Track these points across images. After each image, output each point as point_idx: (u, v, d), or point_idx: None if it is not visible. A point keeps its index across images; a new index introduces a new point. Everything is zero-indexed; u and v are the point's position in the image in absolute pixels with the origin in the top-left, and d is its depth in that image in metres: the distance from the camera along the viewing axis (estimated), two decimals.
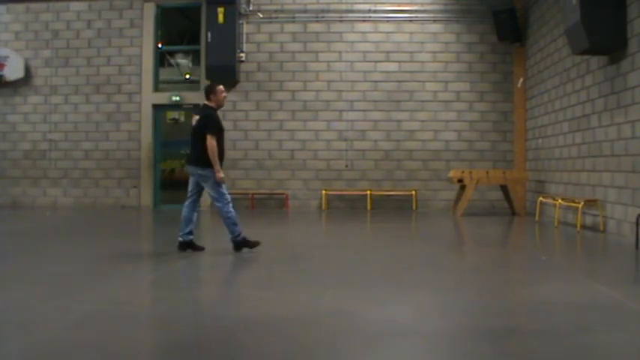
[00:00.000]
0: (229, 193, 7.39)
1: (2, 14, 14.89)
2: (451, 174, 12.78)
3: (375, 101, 14.20)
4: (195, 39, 14.80)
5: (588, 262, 7.58)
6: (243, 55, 14.25)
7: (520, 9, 13.54)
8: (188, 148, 7.45)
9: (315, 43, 14.33)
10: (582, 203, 9.69)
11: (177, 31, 16.04)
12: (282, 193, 14.17)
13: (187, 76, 15.78)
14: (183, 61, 16.28)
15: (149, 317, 4.61)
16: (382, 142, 14.16)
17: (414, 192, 13.98)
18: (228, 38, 13.75)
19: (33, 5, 14.82)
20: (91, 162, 14.66)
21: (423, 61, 14.17)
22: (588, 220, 10.05)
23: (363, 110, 14.21)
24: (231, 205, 7.17)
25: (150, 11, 14.62)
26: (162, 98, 14.64)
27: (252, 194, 13.97)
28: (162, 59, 15.34)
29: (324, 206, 14.09)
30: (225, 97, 7.45)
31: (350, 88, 14.22)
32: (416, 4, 14.18)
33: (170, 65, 16.24)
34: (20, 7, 14.86)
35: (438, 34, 14.18)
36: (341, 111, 14.25)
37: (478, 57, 14.11)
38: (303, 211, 13.78)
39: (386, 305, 4.76)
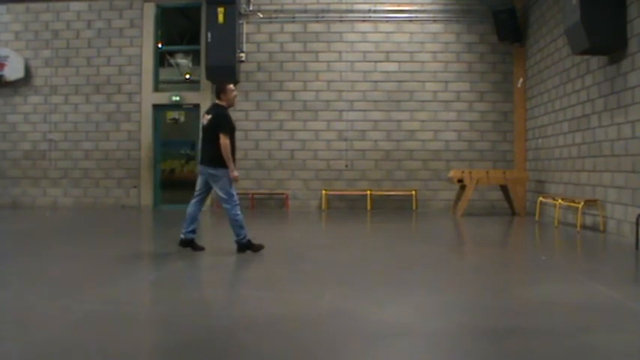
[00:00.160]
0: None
1: (2, 14, 14.89)
2: (451, 174, 12.78)
3: (375, 101, 14.20)
4: (195, 39, 14.80)
5: (588, 262, 7.57)
6: (243, 55, 14.25)
7: (520, 9, 13.54)
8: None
9: (315, 43, 14.33)
10: (582, 203, 9.69)
11: (177, 31, 16.04)
12: (282, 193, 14.17)
13: (187, 76, 15.78)
14: (183, 61, 16.28)
15: (149, 317, 4.61)
16: (382, 142, 14.16)
17: (414, 192, 13.98)
18: (228, 38, 13.75)
19: (33, 5, 14.82)
20: (91, 162, 14.66)
21: (423, 61, 14.17)
22: (588, 220, 10.05)
23: (363, 110, 14.21)
24: (239, 207, 7.14)
25: (150, 11, 14.62)
26: (162, 98, 14.64)
27: (252, 194, 13.97)
28: (162, 59, 15.34)
29: (324, 206, 14.09)
30: (236, 95, 7.45)
31: (350, 88, 14.22)
32: (416, 4, 14.18)
33: (170, 65, 16.24)
34: (20, 7, 14.86)
35: (438, 34, 14.19)
36: (341, 111, 14.25)
37: (478, 57, 14.11)
38: (303, 211, 13.78)
39: (386, 305, 4.76)
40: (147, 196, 14.52)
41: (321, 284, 5.60)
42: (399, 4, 14.18)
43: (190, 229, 7.22)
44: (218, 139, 6.98)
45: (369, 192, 14.04)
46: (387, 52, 14.21)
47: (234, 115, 14.34)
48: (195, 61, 15.18)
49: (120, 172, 14.61)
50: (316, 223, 12.04)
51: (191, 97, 14.63)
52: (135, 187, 14.57)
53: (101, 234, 9.91)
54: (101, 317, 4.37)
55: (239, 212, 7.10)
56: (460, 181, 12.54)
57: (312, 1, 14.34)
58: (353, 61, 14.24)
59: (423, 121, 14.12)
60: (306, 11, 14.33)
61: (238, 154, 14.08)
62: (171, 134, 15.23)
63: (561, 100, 11.36)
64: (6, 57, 14.39)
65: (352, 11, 14.25)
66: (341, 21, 14.29)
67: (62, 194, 14.68)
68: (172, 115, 15.22)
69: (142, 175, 14.54)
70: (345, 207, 14.20)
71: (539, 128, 12.76)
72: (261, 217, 11.93)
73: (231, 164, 7.03)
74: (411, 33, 14.21)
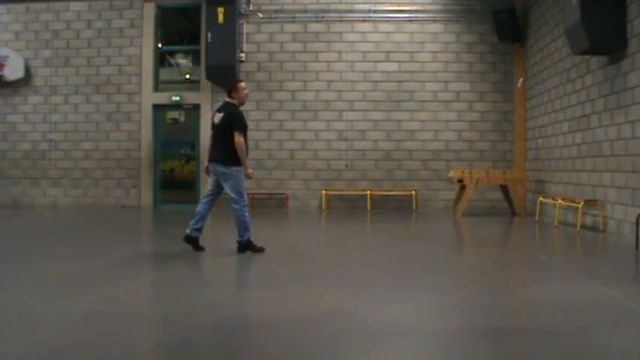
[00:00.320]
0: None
1: (2, 14, 14.90)
2: (451, 174, 12.78)
3: (375, 101, 14.20)
4: (195, 39, 14.80)
5: (588, 262, 7.57)
6: (243, 55, 14.25)
7: (520, 9, 13.54)
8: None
9: (315, 43, 14.33)
10: (582, 203, 9.69)
11: (177, 31, 16.04)
12: (282, 193, 14.17)
13: (187, 76, 15.78)
14: (183, 61, 16.28)
15: (149, 317, 4.61)
16: (382, 142, 14.16)
17: (414, 192, 13.98)
18: (228, 38, 13.74)
19: (33, 5, 14.82)
20: (91, 162, 14.66)
21: (423, 61, 14.17)
22: (588, 220, 10.05)
23: (363, 110, 14.21)
24: (247, 208, 7.13)
25: (150, 11, 14.63)
26: (162, 98, 14.64)
27: (253, 194, 13.96)
28: (162, 59, 15.34)
29: (324, 206, 14.09)
30: (247, 94, 7.44)
31: (350, 88, 14.23)
32: (416, 4, 14.18)
33: (170, 65, 16.24)
34: (20, 7, 14.86)
35: (438, 34, 14.19)
36: (341, 111, 14.25)
37: (478, 57, 14.11)
38: (303, 211, 13.78)
39: (386, 305, 4.76)
40: (147, 196, 14.52)
41: (321, 284, 5.60)
42: (399, 4, 14.18)
43: (197, 226, 7.20)
44: (230, 137, 6.98)
45: (369, 192, 14.04)
46: (387, 52, 14.21)
47: None
48: (195, 61, 15.18)
49: (120, 172, 14.61)
50: (316, 223, 12.04)
51: (191, 97, 14.63)
52: (135, 187, 14.57)
53: (101, 234, 9.90)
54: (101, 317, 4.37)
55: (247, 214, 7.09)
56: (460, 181, 12.54)
57: (312, 1, 14.35)
58: (353, 61, 14.24)
59: (423, 121, 14.13)
60: (306, 11, 14.33)
61: None
62: (171, 134, 15.23)
63: (561, 100, 11.36)
64: (6, 57, 14.39)
65: (352, 11, 14.25)
66: (341, 21, 14.29)
67: (62, 194, 14.69)
68: (172, 115, 15.22)
69: (141, 175, 14.54)
70: (345, 207, 14.20)
71: (539, 128, 12.76)
72: (261, 217, 11.92)
73: (245, 161, 7.06)
74: (411, 33, 14.21)
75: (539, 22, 12.64)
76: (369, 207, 13.99)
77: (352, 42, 14.26)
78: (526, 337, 3.93)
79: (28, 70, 14.69)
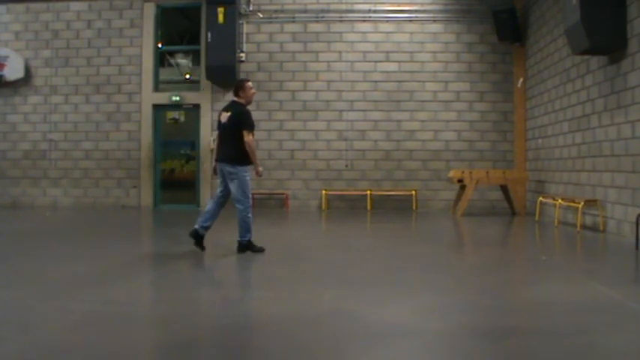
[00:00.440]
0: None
1: (2, 14, 14.90)
2: (451, 174, 12.78)
3: (375, 101, 14.20)
4: (195, 39, 14.80)
5: (588, 262, 7.57)
6: (243, 55, 14.25)
7: (520, 9, 13.54)
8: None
9: (315, 43, 14.33)
10: (582, 203, 9.69)
11: (177, 31, 16.03)
12: (282, 193, 14.17)
13: (187, 76, 15.78)
14: (183, 61, 16.28)
15: (149, 317, 4.61)
16: (382, 142, 14.16)
17: (414, 192, 13.98)
18: (228, 38, 13.75)
19: (33, 5, 14.82)
20: (91, 162, 14.66)
21: (423, 61, 14.17)
22: (588, 220, 10.05)
23: (363, 110, 14.21)
24: (251, 210, 7.13)
25: (150, 11, 14.63)
26: (162, 98, 14.64)
27: (253, 194, 13.90)
28: (162, 59, 15.34)
29: (324, 206, 14.09)
30: (254, 93, 7.44)
31: (350, 88, 14.23)
32: (416, 4, 14.18)
33: (170, 65, 16.24)
34: (20, 7, 14.86)
35: (438, 34, 14.19)
36: (341, 111, 14.25)
37: (478, 57, 14.11)
38: (303, 211, 13.78)
39: (386, 305, 4.76)
40: (147, 196, 14.52)
41: (321, 284, 5.60)
42: (399, 4, 14.18)
43: (206, 224, 7.17)
44: (238, 136, 6.97)
45: (369, 192, 14.04)
46: (387, 52, 14.21)
47: None
48: (195, 61, 15.17)
49: (120, 172, 14.61)
50: (316, 223, 12.04)
51: (191, 97, 14.63)
52: (135, 187, 14.57)
53: (101, 234, 9.90)
54: (101, 317, 4.37)
55: (250, 215, 7.09)
56: (460, 181, 12.54)
57: (312, 1, 14.34)
58: (353, 61, 14.24)
59: (423, 121, 14.13)
60: (306, 11, 14.33)
61: None
62: (171, 134, 15.23)
63: (561, 100, 11.36)
64: (6, 57, 14.39)
65: (352, 11, 14.25)
66: (341, 21, 14.29)
67: (62, 194, 14.69)
68: (172, 115, 15.21)
69: (141, 175, 14.54)
70: (345, 207, 14.20)
71: (539, 128, 12.76)
72: (261, 217, 11.91)
73: (256, 160, 7.07)
74: (411, 33, 14.21)
75: (539, 22, 12.64)
76: (369, 207, 13.99)
77: (352, 42, 14.26)
78: (526, 337, 3.93)
79: (28, 70, 14.69)
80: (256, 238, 7.27)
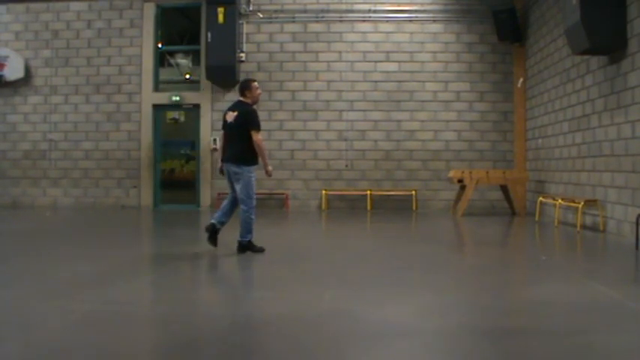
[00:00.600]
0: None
1: (2, 14, 14.90)
2: (451, 174, 12.78)
3: (375, 101, 14.19)
4: (195, 39, 14.79)
5: (588, 262, 7.57)
6: (243, 55, 14.25)
7: (520, 9, 13.54)
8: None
9: (315, 43, 14.33)
10: (582, 203, 9.69)
11: (177, 31, 16.03)
12: (282, 193, 14.17)
13: (187, 76, 15.78)
14: (183, 61, 16.28)
15: (149, 317, 4.61)
16: (382, 142, 14.16)
17: (414, 192, 13.98)
18: (228, 38, 13.75)
19: (33, 5, 14.82)
20: (91, 162, 14.66)
21: (423, 61, 14.17)
22: (588, 220, 10.05)
23: (363, 110, 14.21)
24: (254, 211, 7.11)
25: (150, 11, 14.62)
26: (162, 98, 14.64)
27: None
28: (162, 59, 15.34)
29: (324, 206, 14.09)
30: (260, 93, 7.44)
31: (350, 88, 14.22)
32: (416, 4, 14.18)
33: (170, 65, 16.24)
34: (20, 7, 14.86)
35: (438, 34, 14.18)
36: (341, 111, 14.25)
37: (478, 57, 14.11)
38: (303, 211, 13.78)
39: (386, 305, 4.76)
40: (147, 196, 14.52)
41: (321, 284, 5.60)
42: (399, 4, 14.17)
43: (222, 220, 7.17)
44: (244, 136, 6.96)
45: (369, 192, 14.04)
46: (387, 52, 14.21)
47: None
48: (195, 61, 15.17)
49: (120, 172, 14.61)
50: (316, 223, 12.04)
51: (191, 97, 14.63)
52: (135, 187, 14.57)
53: (101, 234, 9.90)
54: (101, 317, 4.37)
55: (253, 216, 7.07)
56: (460, 181, 12.53)
57: (312, 1, 14.34)
58: (353, 61, 14.24)
59: (423, 121, 14.12)
60: (306, 11, 14.33)
61: None
62: (171, 134, 15.23)
63: (561, 100, 11.36)
64: (6, 57, 14.39)
65: (352, 11, 14.25)
66: (341, 21, 14.29)
67: (62, 194, 14.69)
68: (172, 115, 15.21)
69: (141, 175, 14.54)
70: (345, 207, 14.20)
71: (539, 128, 12.76)
72: (261, 217, 11.88)
73: (266, 159, 7.08)
74: (411, 33, 14.21)
75: (539, 22, 12.64)
76: (369, 207, 13.99)
77: (352, 42, 14.26)
78: (526, 337, 3.93)
79: (28, 70, 14.69)
80: (256, 238, 7.26)
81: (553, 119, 11.83)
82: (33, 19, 14.83)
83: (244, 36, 14.30)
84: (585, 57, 9.98)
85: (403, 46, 14.21)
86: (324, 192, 14.11)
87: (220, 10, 13.62)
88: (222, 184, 13.72)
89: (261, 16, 14.32)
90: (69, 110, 14.73)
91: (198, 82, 14.67)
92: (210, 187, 14.29)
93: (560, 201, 10.43)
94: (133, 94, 14.60)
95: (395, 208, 14.03)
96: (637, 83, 8.34)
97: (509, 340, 3.89)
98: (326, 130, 14.25)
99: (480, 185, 12.79)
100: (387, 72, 14.18)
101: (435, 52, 14.16)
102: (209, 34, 13.67)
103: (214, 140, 14.13)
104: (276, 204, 14.21)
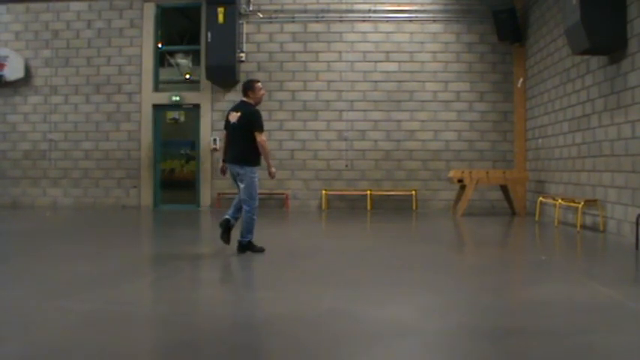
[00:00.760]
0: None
1: (2, 14, 14.90)
2: (451, 174, 12.78)
3: (375, 101, 14.19)
4: (195, 39, 14.80)
5: (588, 262, 7.57)
6: (243, 55, 14.25)
7: (520, 9, 13.54)
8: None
9: (315, 43, 14.33)
10: (582, 203, 9.69)
11: (177, 31, 16.04)
12: (282, 193, 14.17)
13: (187, 76, 15.78)
14: (183, 61, 16.29)
15: (149, 317, 4.61)
16: (382, 142, 14.16)
17: (414, 192, 13.97)
18: (228, 38, 13.76)
19: (33, 5, 14.82)
20: (91, 162, 14.66)
21: (423, 61, 14.17)
22: (588, 220, 10.05)
23: (363, 110, 14.21)
24: (256, 211, 7.12)
25: (150, 11, 14.63)
26: (162, 98, 14.64)
27: None
28: (162, 59, 15.34)
29: (324, 206, 14.09)
30: (264, 94, 7.43)
31: (350, 88, 14.22)
32: (416, 4, 14.18)
33: (170, 65, 16.24)
34: (20, 7, 14.86)
35: (438, 34, 14.19)
36: (341, 111, 14.25)
37: (478, 57, 14.11)
38: (303, 211, 13.78)
39: (386, 305, 4.75)
40: (147, 196, 14.52)
41: (321, 284, 5.60)
42: (399, 4, 14.18)
43: (236, 215, 7.18)
44: (248, 137, 6.96)
45: (369, 192, 14.04)
46: (387, 52, 14.21)
47: None
48: (195, 61, 15.18)
49: (120, 172, 14.61)
50: (316, 223, 12.04)
51: (191, 97, 14.63)
52: (135, 187, 14.57)
53: (101, 234, 9.90)
54: (101, 317, 4.37)
55: (255, 217, 7.08)
56: (460, 181, 12.53)
57: (312, 1, 14.34)
58: (353, 61, 14.24)
59: (423, 121, 14.12)
60: (306, 11, 14.33)
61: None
62: (171, 134, 15.23)
63: (561, 100, 11.36)
64: (6, 57, 14.39)
65: (352, 11, 14.25)
66: (341, 21, 14.29)
67: (62, 194, 14.69)
68: (172, 115, 15.22)
69: (142, 175, 14.54)
70: (345, 207, 14.20)
71: (539, 128, 12.76)
72: (261, 217, 11.88)
73: (269, 160, 7.09)
74: (411, 33, 14.21)
75: (539, 22, 12.64)
76: (369, 207, 13.99)
77: (352, 42, 14.26)
78: (526, 337, 3.93)
79: (28, 70, 14.69)
80: (256, 238, 7.27)
81: (553, 119, 11.83)
82: (33, 19, 14.83)
83: (244, 36, 14.31)
84: (585, 57, 9.98)
85: (403, 46, 14.21)
86: (324, 192, 14.11)
87: (220, 10, 13.62)
88: (222, 184, 13.80)
89: (261, 16, 14.32)
90: (69, 110, 14.73)
91: (198, 82, 14.67)
92: (211, 187, 14.29)
93: (560, 201, 10.43)
94: (133, 94, 14.60)
95: (395, 208, 14.03)
96: (637, 83, 8.34)
97: (510, 340, 3.89)
98: (326, 130, 14.25)
99: (480, 185, 12.79)
100: (387, 72, 14.18)
101: (435, 52, 14.16)
102: (209, 34, 13.67)
103: (214, 140, 14.15)
104: (276, 204, 14.22)
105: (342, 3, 14.28)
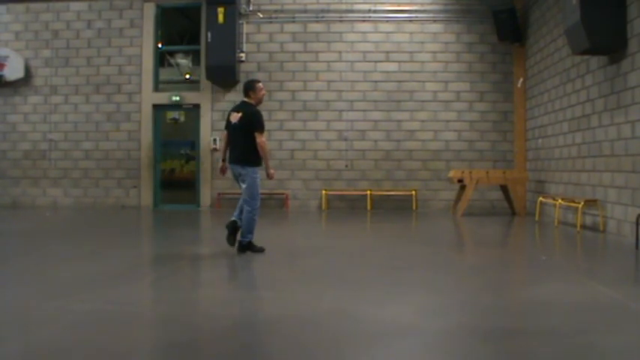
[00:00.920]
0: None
1: (2, 14, 14.90)
2: (451, 174, 12.78)
3: (375, 101, 14.20)
4: (195, 39, 14.80)
5: (588, 262, 7.57)
6: (243, 55, 14.26)
7: (520, 9, 13.54)
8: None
9: (315, 43, 14.33)
10: (582, 203, 9.69)
11: (177, 31, 16.04)
12: (282, 193, 14.17)
13: (187, 76, 15.78)
14: (183, 61, 16.28)
15: (149, 317, 4.61)
16: (382, 142, 14.16)
17: (414, 192, 13.98)
18: (228, 38, 13.76)
19: (33, 5, 14.82)
20: (91, 162, 14.66)
21: (423, 61, 14.17)
22: (588, 220, 10.05)
23: (363, 110, 14.21)
24: (257, 212, 7.12)
25: (150, 11, 14.63)
26: (162, 98, 14.64)
27: None
28: (162, 59, 15.34)
29: (324, 206, 14.09)
30: (264, 94, 7.43)
31: (350, 88, 14.23)
32: (416, 4, 14.18)
33: (170, 65, 16.24)
34: (20, 7, 14.86)
35: (438, 34, 14.19)
36: (341, 111, 14.25)
37: (478, 57, 14.11)
38: (303, 211, 13.78)
39: (386, 305, 4.76)
40: (147, 196, 14.52)
41: (321, 284, 5.61)
42: (399, 4, 14.18)
43: (242, 216, 7.17)
44: (249, 137, 6.97)
45: (369, 192, 14.04)
46: (387, 52, 14.21)
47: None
48: (195, 61, 15.18)
49: (120, 172, 14.61)
50: (316, 223, 12.04)
51: (191, 97, 14.63)
52: (135, 187, 14.57)
53: (101, 234, 9.90)
54: (101, 317, 4.37)
55: (256, 217, 7.08)
56: (460, 181, 12.54)
57: (312, 1, 14.34)
58: (353, 61, 14.24)
59: (423, 121, 14.12)
60: (306, 11, 14.33)
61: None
62: (171, 134, 15.23)
63: (561, 100, 11.36)
64: (6, 57, 14.39)
65: (352, 11, 14.25)
66: (341, 21, 14.29)
67: (62, 194, 14.69)
68: (172, 115, 15.22)
69: (142, 175, 14.54)
70: (345, 207, 14.20)
71: (539, 128, 12.76)
72: (261, 217, 11.87)
73: (268, 161, 7.11)
74: (411, 33, 14.21)
75: (539, 22, 12.64)
76: (369, 207, 13.99)
77: (352, 42, 14.26)
78: (526, 337, 3.93)
79: (28, 70, 14.70)
80: (256, 238, 7.27)
81: (553, 119, 11.83)
82: (33, 19, 14.84)
83: (244, 36, 14.31)
84: (585, 57, 9.98)
85: (403, 46, 14.21)
86: (324, 192, 14.11)
87: (220, 10, 13.62)
88: (223, 184, 13.80)
89: (261, 16, 14.32)
90: (69, 110, 14.74)
91: (198, 82, 14.67)
92: (211, 187, 14.29)
93: (560, 201, 10.43)
94: (133, 94, 14.61)
95: (395, 208, 14.03)
96: (637, 83, 8.34)
97: (510, 340, 3.89)
98: (326, 130, 14.25)
99: (480, 185, 12.79)
100: (387, 72, 14.18)
101: (435, 52, 14.16)
102: (209, 34, 13.67)
103: (214, 140, 14.15)
104: (276, 204, 14.22)
105: (342, 3, 14.28)
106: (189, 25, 15.31)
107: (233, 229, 7.11)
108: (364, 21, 14.27)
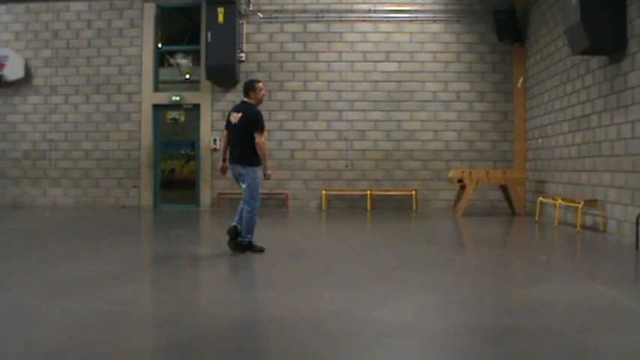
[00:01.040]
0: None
1: (2, 14, 14.90)
2: (451, 174, 12.78)
3: (375, 101, 14.20)
4: (195, 39, 14.80)
5: (588, 262, 7.58)
6: (243, 55, 14.26)
7: (520, 9, 13.54)
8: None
9: (315, 43, 14.33)
10: (582, 203, 9.69)
11: (177, 31, 16.03)
12: (282, 193, 14.17)
13: (187, 76, 15.78)
14: (183, 61, 16.28)
15: (149, 317, 4.61)
16: (382, 142, 14.16)
17: (414, 192, 13.98)
18: (228, 38, 13.76)
19: (33, 5, 14.83)
20: (91, 162, 14.66)
21: (423, 61, 14.17)
22: (588, 220, 10.05)
23: (363, 110, 14.21)
24: (257, 212, 7.12)
25: (150, 11, 14.63)
26: (162, 98, 14.64)
27: None
28: (162, 59, 15.34)
29: (324, 206, 14.09)
30: (265, 94, 7.43)
31: (350, 88, 14.23)
32: (416, 4, 14.18)
33: (170, 65, 16.24)
34: (20, 7, 14.86)
35: (438, 34, 14.19)
36: (341, 111, 14.25)
37: (478, 57, 14.11)
38: (303, 211, 13.78)
39: (386, 305, 4.75)
40: (147, 196, 14.52)
41: (321, 284, 5.61)
42: (399, 4, 14.18)
43: (242, 221, 7.18)
44: (250, 137, 6.97)
45: (369, 192, 14.04)
46: (387, 52, 14.21)
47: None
48: (195, 61, 15.18)
49: (120, 172, 14.61)
50: (316, 223, 12.04)
51: (191, 97, 14.63)
52: (135, 187, 14.57)
53: (101, 234, 9.90)
54: (101, 317, 4.37)
55: (255, 217, 7.09)
56: (460, 181, 12.54)
57: (312, 1, 14.34)
58: (353, 61, 14.24)
59: (423, 121, 14.13)
60: (306, 11, 14.33)
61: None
62: (171, 134, 15.23)
63: (561, 100, 11.36)
64: (6, 57, 14.39)
65: (352, 11, 14.25)
66: (341, 21, 14.29)
67: (62, 194, 14.69)
68: (172, 115, 15.22)
69: (142, 175, 14.54)
70: (345, 207, 14.20)
71: (539, 128, 12.76)
72: (261, 217, 11.87)
73: (267, 162, 7.09)
74: (411, 33, 14.21)
75: (539, 22, 12.64)
76: (369, 207, 13.99)
77: (352, 42, 14.26)
78: (526, 337, 3.92)
79: (28, 70, 14.70)
80: (256, 238, 7.27)
81: (553, 119, 11.83)
82: (33, 19, 14.84)
83: (244, 36, 14.31)
84: (585, 57, 9.98)
85: (403, 46, 14.21)
86: (324, 192, 14.11)
87: (220, 10, 13.62)
88: (223, 184, 13.81)
89: (261, 16, 14.33)
90: (69, 110, 14.74)
91: (198, 82, 14.67)
92: (211, 187, 14.29)
93: (560, 201, 10.43)
94: (133, 94, 14.61)
95: (395, 208, 14.03)
96: (637, 83, 8.35)
97: (510, 340, 3.89)
98: (326, 130, 14.25)
99: (480, 185, 12.80)
100: (387, 72, 14.18)
101: (435, 52, 14.16)
102: (209, 34, 13.67)
103: (214, 140, 14.15)
104: (276, 204, 14.22)
105: (342, 3, 14.28)
106: (189, 25, 15.31)
107: (234, 234, 7.12)
108: (364, 21, 14.27)
